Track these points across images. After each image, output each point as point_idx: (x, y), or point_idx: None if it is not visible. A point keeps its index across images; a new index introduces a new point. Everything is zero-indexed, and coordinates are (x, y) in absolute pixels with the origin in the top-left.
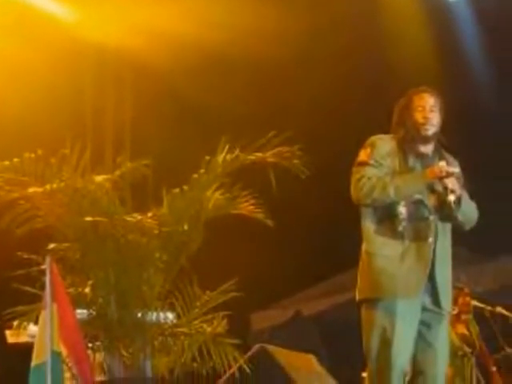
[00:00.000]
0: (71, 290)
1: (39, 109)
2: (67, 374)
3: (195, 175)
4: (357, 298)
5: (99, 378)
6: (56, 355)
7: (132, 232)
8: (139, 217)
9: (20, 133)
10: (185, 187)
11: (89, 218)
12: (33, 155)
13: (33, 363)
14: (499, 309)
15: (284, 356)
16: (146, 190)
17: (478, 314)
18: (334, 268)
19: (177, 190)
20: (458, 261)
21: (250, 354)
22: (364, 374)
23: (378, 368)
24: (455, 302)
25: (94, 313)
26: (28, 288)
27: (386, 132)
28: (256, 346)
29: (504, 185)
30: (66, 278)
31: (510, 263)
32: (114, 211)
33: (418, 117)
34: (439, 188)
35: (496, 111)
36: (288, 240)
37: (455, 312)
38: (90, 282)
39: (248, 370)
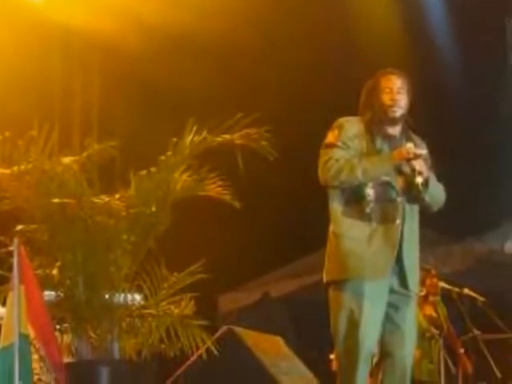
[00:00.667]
0: (39, 271)
1: (6, 90)
2: (35, 356)
3: (162, 157)
4: (324, 279)
5: (67, 359)
6: (24, 337)
7: (99, 214)
8: (107, 198)
9: None
10: (152, 169)
11: (56, 200)
12: (0, 137)
13: (0, 345)
14: (466, 290)
15: (251, 338)
16: (114, 172)
17: (446, 296)
18: (301, 249)
19: (144, 172)
20: (425, 242)
21: (217, 335)
22: (332, 356)
23: (345, 349)
24: (423, 283)
25: (62, 294)
26: None
27: (354, 114)
28: (223, 328)
29: (471, 167)
30: (33, 260)
31: (477, 245)
32: (81, 193)
33: (386, 99)
34: (407, 170)
35: (464, 93)
36: (256, 222)
37: (423, 294)
38: (57, 264)
39: (215, 352)
